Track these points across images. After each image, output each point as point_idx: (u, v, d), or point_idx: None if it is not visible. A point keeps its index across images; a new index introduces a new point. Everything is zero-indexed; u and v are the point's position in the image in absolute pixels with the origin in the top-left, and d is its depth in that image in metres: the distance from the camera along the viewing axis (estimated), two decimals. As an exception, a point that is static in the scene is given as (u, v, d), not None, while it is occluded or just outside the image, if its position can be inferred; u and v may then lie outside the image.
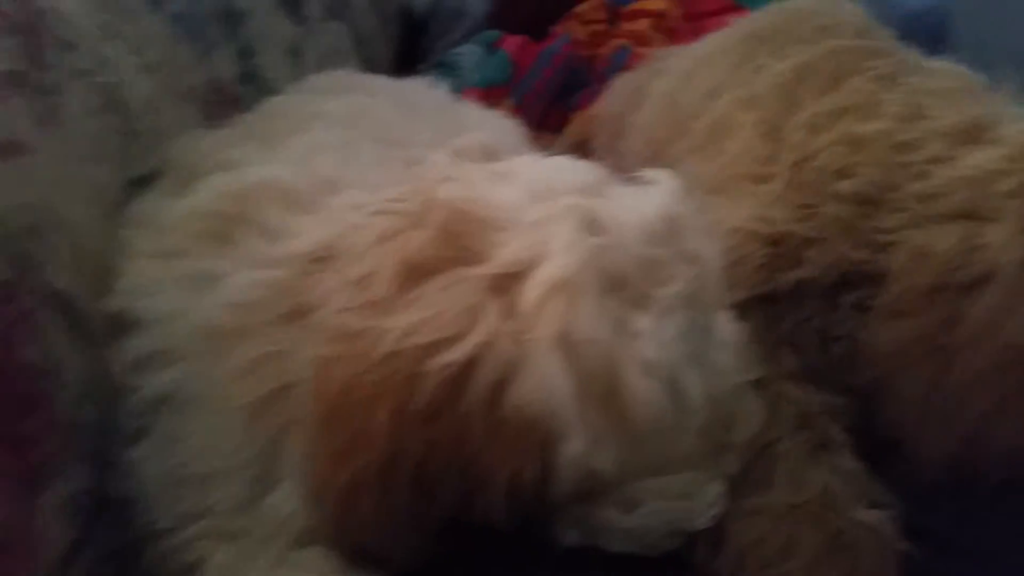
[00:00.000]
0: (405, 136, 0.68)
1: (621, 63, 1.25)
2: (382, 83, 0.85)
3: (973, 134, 0.60)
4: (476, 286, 0.47)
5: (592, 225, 0.50)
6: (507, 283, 0.47)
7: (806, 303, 0.65)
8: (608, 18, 1.44)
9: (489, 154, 0.60)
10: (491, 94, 1.30)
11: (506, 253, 0.48)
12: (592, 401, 0.47)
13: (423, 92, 0.88)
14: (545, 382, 0.46)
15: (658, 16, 1.38)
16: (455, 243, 0.49)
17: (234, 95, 0.86)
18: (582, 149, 1.18)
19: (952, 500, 0.55)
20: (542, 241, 0.49)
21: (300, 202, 0.57)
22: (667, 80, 0.94)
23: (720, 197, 0.71)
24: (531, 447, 0.46)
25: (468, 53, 1.38)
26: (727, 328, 0.52)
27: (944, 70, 0.67)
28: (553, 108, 1.34)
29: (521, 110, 1.29)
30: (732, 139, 0.73)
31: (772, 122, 0.70)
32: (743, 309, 0.66)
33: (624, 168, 0.98)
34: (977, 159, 0.58)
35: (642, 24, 1.37)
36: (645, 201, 0.52)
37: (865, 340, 0.60)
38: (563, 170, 0.54)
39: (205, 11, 0.84)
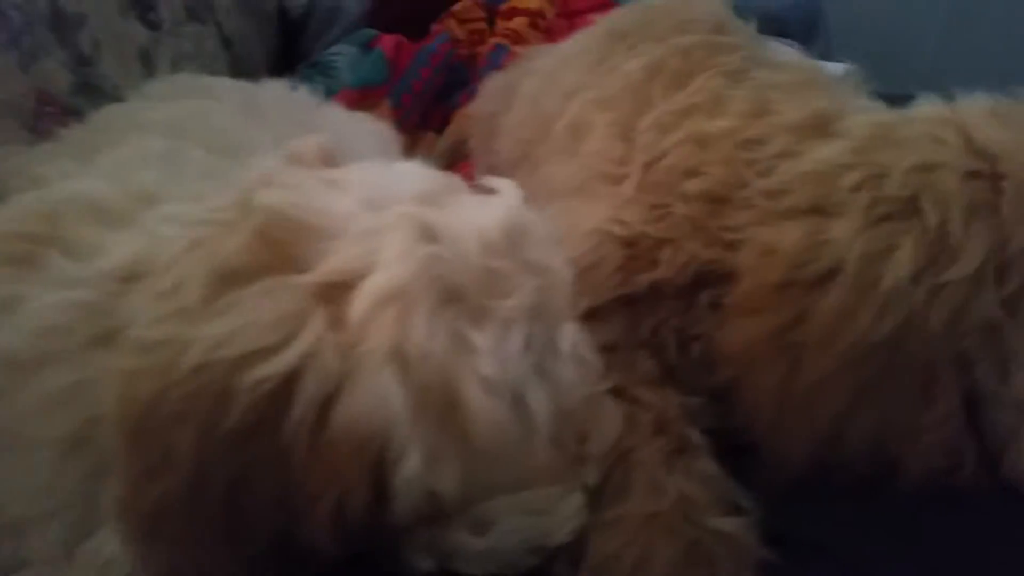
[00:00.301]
0: (242, 142, 0.64)
1: (499, 62, 1.23)
2: (229, 87, 0.81)
3: (818, 128, 0.60)
4: (299, 294, 0.43)
5: (428, 235, 0.47)
6: (334, 292, 0.44)
7: (664, 304, 0.64)
8: (487, 16, 1.43)
9: (327, 159, 0.56)
10: (367, 95, 1.27)
11: (334, 261, 0.45)
12: (429, 418, 0.44)
13: (278, 95, 0.83)
14: (377, 397, 0.42)
15: (534, 14, 1.37)
16: (275, 249, 0.45)
17: (68, 106, 0.80)
18: (461, 149, 1.16)
19: (811, 502, 0.54)
20: (374, 250, 0.45)
21: (114, 218, 0.53)
22: (533, 80, 0.92)
23: (578, 199, 0.70)
24: (362, 468, 0.43)
25: (343, 53, 1.35)
26: (573, 339, 0.50)
27: (792, 63, 0.68)
28: (434, 108, 1.32)
29: (399, 111, 1.26)
30: (588, 140, 0.72)
31: (625, 122, 0.69)
32: (602, 313, 0.65)
33: (497, 169, 0.98)
34: (822, 153, 0.57)
35: (519, 22, 1.36)
36: (486, 211, 0.49)
37: (719, 339, 0.59)
38: (402, 178, 0.51)
39: (27, 18, 0.77)
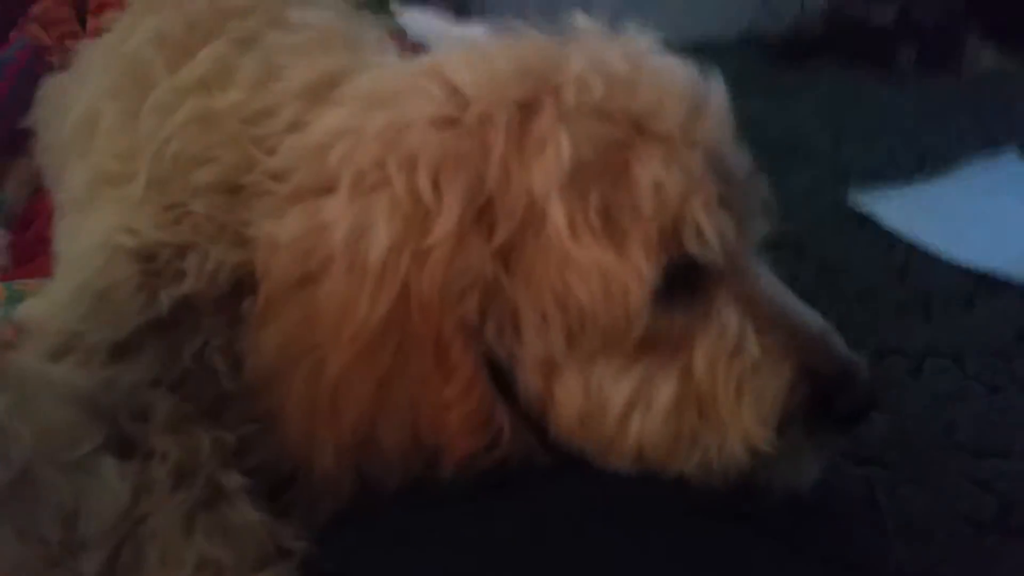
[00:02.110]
0: None
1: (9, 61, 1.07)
2: None
3: (324, 92, 0.52)
4: None
5: None
6: None
7: (204, 321, 0.54)
8: (77, 15, 1.24)
9: None
10: (-77, 126, 1.05)
11: None
12: None
13: None
14: None
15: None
16: None
17: None
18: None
19: (366, 527, 0.47)
20: None
21: None
22: (76, 78, 0.78)
23: (87, 209, 0.58)
24: None
25: None
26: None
27: (312, 22, 0.59)
28: (22, 127, 1.12)
29: (-24, 136, 1.06)
30: (98, 136, 0.59)
31: (131, 109, 0.57)
32: (130, 346, 0.54)
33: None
34: (322, 123, 0.49)
35: (111, 17, 1.19)
36: None
37: (251, 355, 0.49)
38: None
39: None
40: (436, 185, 0.43)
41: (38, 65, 1.15)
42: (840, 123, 2.37)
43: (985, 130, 2.32)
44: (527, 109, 0.45)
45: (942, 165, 2.11)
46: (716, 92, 0.47)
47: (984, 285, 1.67)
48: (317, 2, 0.65)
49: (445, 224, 0.43)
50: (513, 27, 0.52)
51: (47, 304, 0.56)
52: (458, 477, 0.45)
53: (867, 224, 1.96)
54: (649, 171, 0.42)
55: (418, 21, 1.31)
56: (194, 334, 0.54)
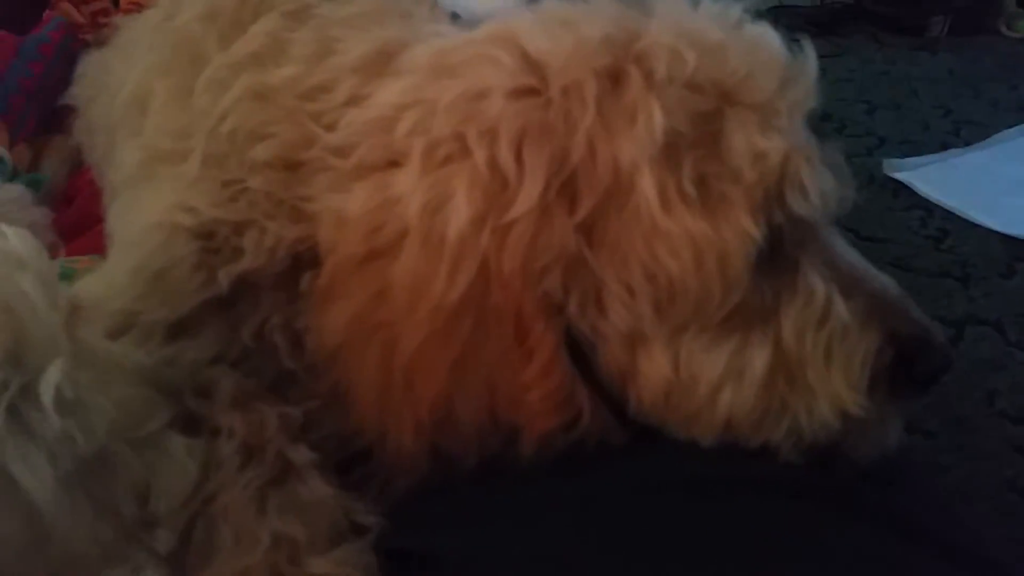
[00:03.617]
0: None
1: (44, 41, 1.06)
2: None
3: (382, 64, 0.51)
4: None
5: None
6: None
7: (263, 298, 0.53)
8: (107, -8, 1.24)
9: None
10: (-40, 106, 1.04)
11: None
12: None
13: None
14: None
15: (159, -18, 1.19)
16: None
17: None
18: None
19: (439, 504, 0.46)
20: None
21: None
22: (119, 54, 0.77)
23: (141, 188, 0.57)
24: None
25: (-84, 63, 1.10)
26: (58, 382, 0.38)
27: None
28: (59, 106, 1.11)
29: (10, 116, 1.06)
30: (150, 114, 0.59)
31: (184, 85, 0.56)
32: (190, 324, 0.53)
33: (98, 167, 0.82)
34: (383, 96, 0.48)
35: (143, -8, 1.18)
36: None
37: (315, 330, 0.49)
38: None
39: None
40: (518, 157, 0.42)
41: (72, 43, 1.15)
42: (873, 92, 2.35)
43: (1020, 97, 2.29)
44: (612, 80, 0.43)
45: (977, 133, 2.09)
46: (807, 60, 0.46)
47: (1022, 252, 1.65)
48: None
49: (527, 198, 0.42)
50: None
51: (103, 284, 0.55)
52: (535, 455, 0.44)
53: (902, 193, 1.94)
54: (746, 138, 0.42)
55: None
56: (253, 312, 0.53)
